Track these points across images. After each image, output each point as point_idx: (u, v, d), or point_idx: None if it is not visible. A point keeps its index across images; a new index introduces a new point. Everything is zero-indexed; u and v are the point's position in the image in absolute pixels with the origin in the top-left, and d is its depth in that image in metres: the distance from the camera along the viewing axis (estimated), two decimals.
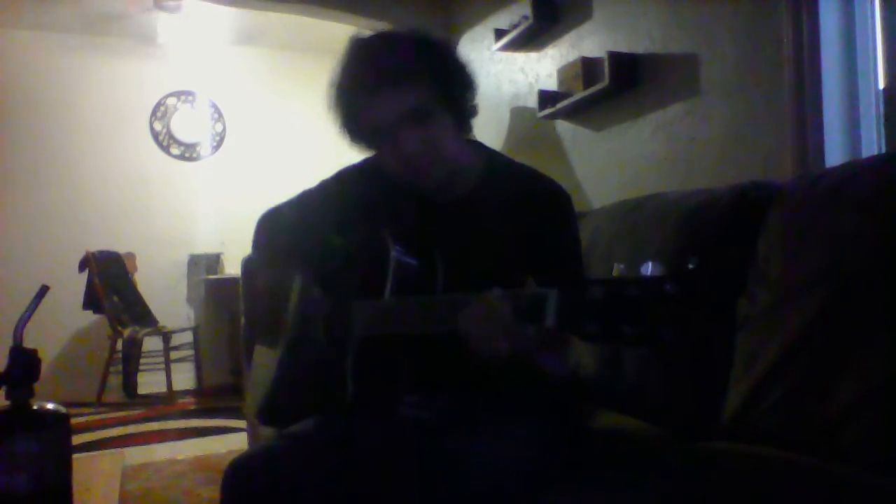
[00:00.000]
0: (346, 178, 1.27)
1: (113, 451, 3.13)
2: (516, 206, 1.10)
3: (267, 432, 1.29)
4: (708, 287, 0.62)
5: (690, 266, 0.63)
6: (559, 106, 2.77)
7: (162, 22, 4.49)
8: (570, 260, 1.11)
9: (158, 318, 4.60)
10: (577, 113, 2.80)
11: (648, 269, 0.65)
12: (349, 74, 1.06)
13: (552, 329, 0.72)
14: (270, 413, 1.24)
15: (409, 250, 1.05)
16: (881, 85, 1.78)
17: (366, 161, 1.24)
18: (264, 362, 1.29)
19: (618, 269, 0.69)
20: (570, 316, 0.69)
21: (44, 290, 1.06)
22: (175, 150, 5.08)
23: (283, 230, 1.30)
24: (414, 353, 1.06)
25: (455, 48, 1.16)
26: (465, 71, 1.10)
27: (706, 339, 1.26)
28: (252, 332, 1.73)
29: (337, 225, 1.18)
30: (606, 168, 2.68)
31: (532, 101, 3.00)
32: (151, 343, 4.50)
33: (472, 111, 1.12)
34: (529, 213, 1.09)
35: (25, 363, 0.99)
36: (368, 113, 1.04)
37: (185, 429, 3.65)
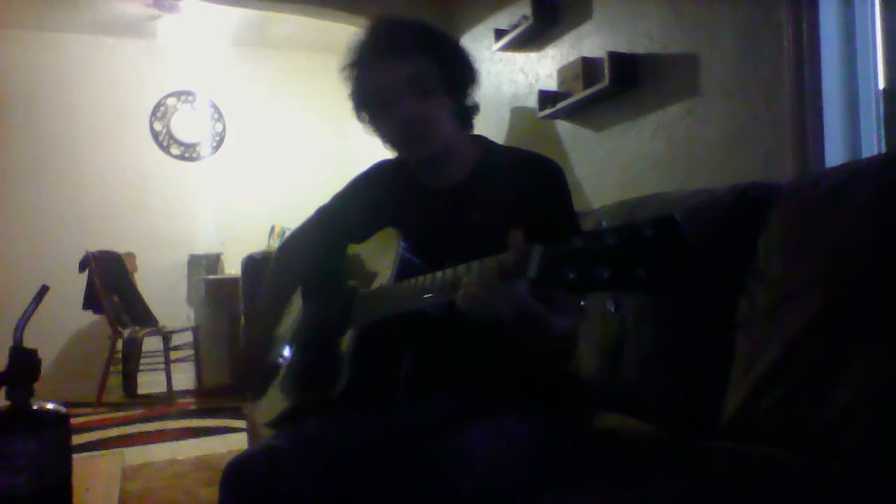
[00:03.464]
0: (355, 185, 1.34)
1: (113, 451, 3.13)
2: (510, 186, 1.12)
3: (267, 431, 1.29)
4: (684, 232, 0.63)
5: (669, 214, 0.64)
6: (559, 106, 2.77)
7: (162, 22, 4.50)
8: (567, 231, 1.12)
9: (158, 318, 4.60)
10: (577, 113, 2.80)
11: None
12: (361, 46, 1.15)
13: (538, 281, 0.73)
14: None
15: (415, 245, 1.08)
16: (881, 85, 1.78)
17: (372, 166, 1.33)
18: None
19: (604, 223, 0.70)
20: (550, 266, 0.71)
21: (44, 290, 1.06)
22: (175, 150, 5.08)
23: (296, 251, 1.37)
24: (412, 349, 1.06)
25: (460, 43, 1.22)
26: (467, 62, 1.18)
27: (704, 337, 1.26)
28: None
29: (352, 230, 1.25)
30: (606, 168, 2.68)
31: (532, 101, 3.00)
32: (151, 343, 4.50)
33: (471, 104, 1.19)
34: (523, 191, 1.11)
35: (25, 363, 0.99)
36: (374, 79, 1.14)
37: (185, 429, 3.65)
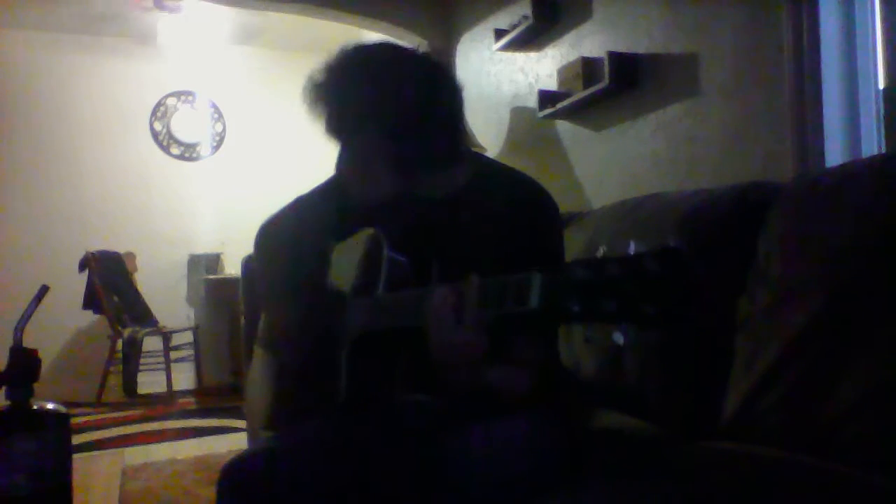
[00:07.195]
0: (337, 182, 1.29)
1: (113, 451, 3.13)
2: (499, 208, 1.10)
3: (265, 434, 1.29)
4: (689, 265, 0.62)
5: (671, 245, 0.63)
6: (559, 106, 2.77)
7: (162, 22, 4.50)
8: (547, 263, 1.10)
9: (158, 318, 4.60)
10: (577, 113, 2.80)
11: (632, 248, 0.66)
12: (321, 82, 1.10)
13: (541, 312, 0.72)
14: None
15: (401, 248, 1.07)
16: (881, 85, 1.78)
17: None
18: (261, 367, 1.30)
19: (602, 249, 0.69)
20: (553, 297, 0.70)
21: (44, 290, 1.06)
22: (175, 150, 5.08)
23: (281, 235, 1.32)
24: (410, 351, 1.06)
25: (432, 63, 1.12)
26: (429, 92, 1.08)
27: (704, 335, 1.26)
28: (253, 331, 1.73)
29: (330, 226, 1.22)
30: (606, 168, 2.68)
31: (532, 101, 3.00)
32: (151, 343, 4.51)
33: (439, 126, 1.10)
34: (510, 216, 1.09)
35: (25, 363, 0.99)
36: (332, 122, 1.10)
37: (185, 429, 3.65)
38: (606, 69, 2.45)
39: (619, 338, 0.66)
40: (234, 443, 3.10)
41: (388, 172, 1.09)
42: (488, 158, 1.25)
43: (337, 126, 1.09)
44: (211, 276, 4.89)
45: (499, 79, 3.41)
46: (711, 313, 1.22)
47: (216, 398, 4.43)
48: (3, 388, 0.98)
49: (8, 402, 0.98)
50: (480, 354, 0.87)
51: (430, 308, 0.88)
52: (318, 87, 1.08)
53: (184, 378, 4.71)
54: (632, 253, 0.65)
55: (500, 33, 3.21)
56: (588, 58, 2.65)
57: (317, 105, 1.09)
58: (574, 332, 1.51)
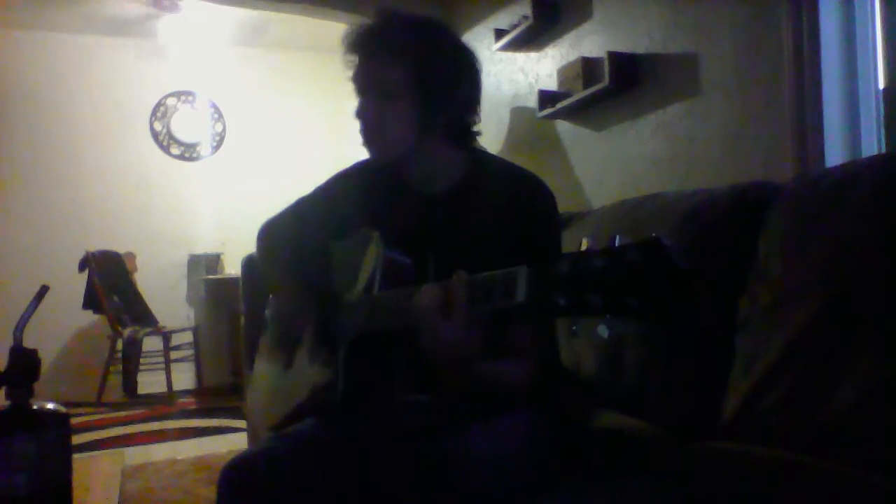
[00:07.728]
0: (338, 181, 1.32)
1: (113, 451, 3.13)
2: (498, 202, 1.10)
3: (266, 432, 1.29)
4: (671, 255, 0.61)
5: (653, 235, 0.63)
6: (559, 106, 2.77)
7: (162, 22, 4.50)
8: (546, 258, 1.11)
9: (158, 318, 4.60)
10: (577, 113, 2.80)
11: (617, 241, 0.65)
12: (355, 36, 1.14)
13: (527, 305, 0.72)
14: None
15: (397, 246, 1.07)
16: (881, 85, 1.78)
17: (356, 164, 1.29)
18: (264, 368, 1.30)
19: (586, 241, 0.69)
20: (539, 290, 0.70)
21: (44, 290, 1.06)
22: (175, 150, 5.08)
23: (281, 237, 1.34)
24: (408, 350, 1.06)
25: (463, 52, 1.15)
26: (455, 72, 1.12)
27: (704, 335, 1.26)
28: (253, 331, 1.73)
29: (331, 227, 1.23)
30: (606, 168, 2.68)
31: (532, 101, 3.00)
32: (151, 343, 4.50)
33: (460, 116, 1.13)
34: (510, 210, 1.09)
35: (25, 363, 0.99)
36: (353, 72, 1.14)
37: (185, 429, 3.65)
38: (606, 69, 2.46)
39: (603, 330, 0.66)
40: (234, 443, 3.10)
41: (398, 128, 1.11)
42: (487, 153, 1.24)
43: (360, 79, 1.12)
44: (211, 276, 4.90)
45: (499, 79, 3.41)
46: (710, 312, 1.22)
47: (216, 398, 4.43)
48: (3, 388, 0.98)
49: (8, 402, 0.98)
50: (472, 351, 0.87)
51: (417, 306, 0.88)
52: (356, 37, 1.12)
53: (184, 378, 4.71)
54: (616, 245, 0.65)
55: (500, 33, 3.21)
56: (588, 58, 2.65)
57: (350, 52, 1.13)
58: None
